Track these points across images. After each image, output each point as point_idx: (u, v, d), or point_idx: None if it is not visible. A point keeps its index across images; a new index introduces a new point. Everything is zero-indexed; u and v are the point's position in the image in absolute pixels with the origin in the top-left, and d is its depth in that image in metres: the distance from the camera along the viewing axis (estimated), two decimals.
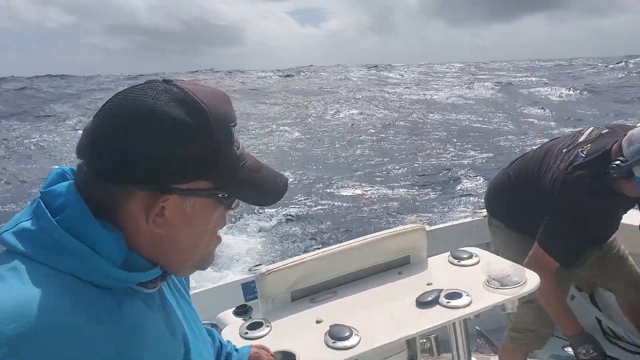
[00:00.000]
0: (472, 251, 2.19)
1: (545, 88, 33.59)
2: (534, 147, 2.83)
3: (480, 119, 21.11)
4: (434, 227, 3.48)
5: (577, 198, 2.29)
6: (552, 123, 19.73)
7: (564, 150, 2.45)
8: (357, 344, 1.69)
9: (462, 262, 2.13)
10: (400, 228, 2.21)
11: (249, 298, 2.93)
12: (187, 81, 0.92)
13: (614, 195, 2.28)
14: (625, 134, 2.22)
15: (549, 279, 2.31)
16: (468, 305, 1.81)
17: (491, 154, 13.90)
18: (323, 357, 1.67)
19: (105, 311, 0.83)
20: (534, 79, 44.53)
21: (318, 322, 1.87)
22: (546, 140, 2.89)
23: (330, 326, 1.79)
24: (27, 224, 0.85)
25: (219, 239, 1.02)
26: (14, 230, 0.86)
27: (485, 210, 3.00)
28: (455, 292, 1.87)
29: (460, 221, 3.61)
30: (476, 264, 2.11)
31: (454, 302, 1.82)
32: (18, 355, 0.71)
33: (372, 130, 20.00)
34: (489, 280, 1.92)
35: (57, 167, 0.96)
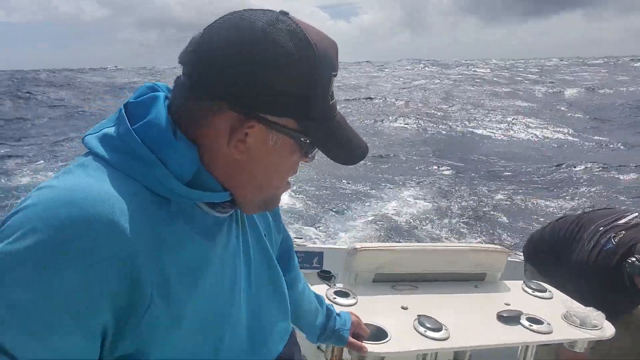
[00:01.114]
0: (546, 286, 2.27)
1: None
2: (582, 211, 2.94)
3: None
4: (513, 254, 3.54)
5: (597, 286, 2.34)
6: None
7: (601, 228, 2.49)
8: (447, 338, 1.75)
9: (537, 293, 2.20)
10: (485, 245, 2.29)
11: (305, 266, 2.98)
12: (301, 21, 0.90)
13: (624, 287, 2.32)
14: None
15: None
16: (549, 333, 1.88)
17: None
18: (413, 342, 1.72)
19: (154, 218, 0.83)
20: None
21: (404, 308, 1.93)
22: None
23: (418, 315, 1.85)
24: (109, 130, 0.88)
25: (288, 185, 1.01)
26: (97, 134, 0.89)
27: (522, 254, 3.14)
28: (536, 318, 1.94)
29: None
30: (550, 298, 2.18)
31: (535, 327, 1.89)
32: (63, 237, 0.72)
33: None
34: (568, 315, 1.99)
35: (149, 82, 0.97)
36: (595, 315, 1.98)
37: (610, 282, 2.33)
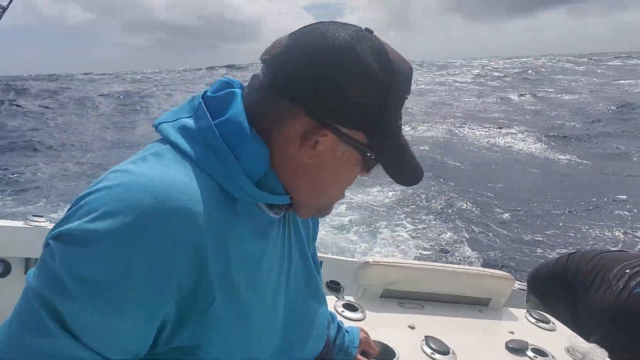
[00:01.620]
0: (548, 317, 2.27)
1: None
2: (599, 250, 2.95)
3: None
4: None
5: (633, 328, 2.33)
6: None
7: (627, 270, 2.50)
8: None
9: (540, 324, 2.20)
10: (492, 270, 2.28)
11: None
12: (384, 41, 0.94)
13: None
14: None
15: None
16: None
17: None
18: None
19: (223, 213, 0.86)
20: None
21: (411, 327, 1.92)
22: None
23: (425, 336, 1.84)
24: (188, 121, 0.90)
25: (343, 195, 1.04)
26: (173, 123, 0.91)
27: (520, 283, 3.15)
28: (541, 350, 1.94)
29: None
30: (553, 330, 2.19)
31: (540, 359, 1.89)
32: (140, 224, 0.75)
33: None
34: (571, 349, 2.00)
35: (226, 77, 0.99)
36: (598, 352, 1.98)
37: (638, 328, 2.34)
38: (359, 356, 1.58)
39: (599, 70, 44.47)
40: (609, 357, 2.10)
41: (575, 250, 3.06)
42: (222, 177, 0.87)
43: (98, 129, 20.98)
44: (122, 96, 32.28)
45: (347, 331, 1.57)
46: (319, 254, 3.13)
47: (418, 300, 2.14)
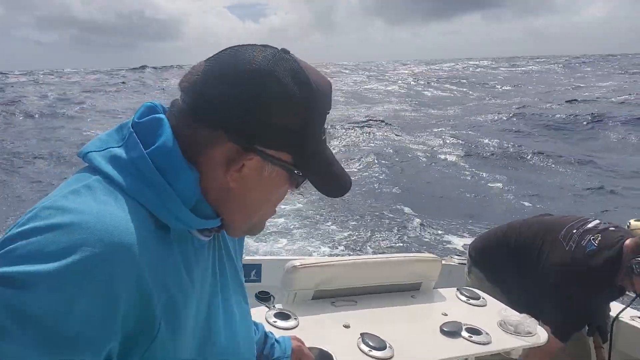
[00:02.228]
0: (479, 293, 2.31)
1: None
2: (531, 217, 3.04)
3: None
4: (445, 262, 3.58)
5: (590, 283, 2.52)
6: None
7: (574, 231, 2.67)
8: (392, 357, 1.74)
9: (471, 301, 2.23)
10: (418, 255, 2.30)
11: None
12: (301, 60, 0.95)
13: (614, 285, 2.55)
14: (631, 234, 2.55)
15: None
16: (488, 343, 1.91)
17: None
18: None
19: (158, 245, 0.85)
20: None
21: (346, 326, 1.89)
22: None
23: (361, 334, 1.82)
24: (119, 151, 0.88)
25: (274, 212, 1.05)
26: (103, 153, 0.88)
27: (461, 257, 3.19)
28: (474, 328, 1.96)
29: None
30: (484, 305, 2.23)
31: (475, 338, 1.91)
32: (81, 263, 0.73)
33: None
34: (503, 323, 2.03)
35: (148, 101, 0.97)
36: (528, 322, 2.03)
37: (594, 283, 2.52)
38: None
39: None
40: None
41: (511, 220, 3.15)
42: (158, 209, 0.86)
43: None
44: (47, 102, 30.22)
45: (277, 342, 1.52)
46: (248, 258, 3.09)
47: (351, 296, 2.12)
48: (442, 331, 1.93)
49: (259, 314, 1.88)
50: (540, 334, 2.03)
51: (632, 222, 3.33)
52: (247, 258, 3.08)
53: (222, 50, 0.94)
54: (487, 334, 1.95)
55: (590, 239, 2.60)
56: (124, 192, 0.84)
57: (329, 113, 0.98)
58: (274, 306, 1.96)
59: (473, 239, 3.34)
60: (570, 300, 2.58)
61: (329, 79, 0.98)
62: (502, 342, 1.94)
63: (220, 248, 1.11)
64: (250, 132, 0.88)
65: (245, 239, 1.32)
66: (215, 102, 0.88)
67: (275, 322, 1.86)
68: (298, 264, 1.99)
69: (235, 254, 1.21)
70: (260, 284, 2.97)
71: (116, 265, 0.76)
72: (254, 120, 0.88)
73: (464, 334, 1.93)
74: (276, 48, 0.94)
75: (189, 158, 0.90)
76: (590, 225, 2.73)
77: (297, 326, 1.86)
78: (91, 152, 0.89)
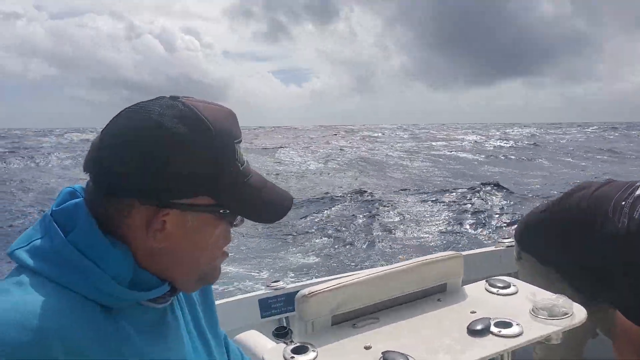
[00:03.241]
0: (509, 280, 2.18)
1: None
2: (574, 189, 2.84)
3: None
4: (467, 253, 3.46)
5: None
6: None
7: (623, 202, 2.44)
8: None
9: (501, 291, 2.12)
10: (437, 255, 2.18)
11: (265, 315, 2.88)
12: (194, 98, 0.94)
13: None
14: None
15: None
16: (520, 334, 1.79)
17: None
18: None
19: (102, 331, 0.84)
20: None
21: (367, 348, 1.82)
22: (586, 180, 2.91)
23: (382, 353, 1.74)
24: (40, 242, 0.88)
25: (225, 255, 1.03)
26: (27, 248, 0.88)
27: (510, 240, 3.03)
28: (504, 321, 1.85)
29: (484, 249, 3.62)
30: (515, 293, 2.10)
31: (505, 331, 1.80)
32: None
33: None
34: (535, 310, 1.91)
35: (68, 186, 0.98)
36: (562, 302, 1.90)
37: None
38: None
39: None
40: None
41: (551, 201, 2.95)
42: (91, 290, 0.85)
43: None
44: None
45: None
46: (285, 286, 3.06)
47: (372, 313, 2.04)
48: (469, 331, 1.83)
49: (277, 351, 1.83)
50: (577, 313, 1.89)
51: None
52: (287, 287, 3.08)
53: (111, 120, 0.93)
54: (518, 324, 1.83)
55: (639, 208, 2.36)
56: (53, 282, 0.84)
57: (239, 142, 0.96)
58: (291, 341, 1.91)
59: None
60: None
61: (228, 108, 0.96)
62: (536, 329, 1.82)
63: (185, 312, 1.09)
64: (158, 189, 0.87)
65: None
66: (114, 172, 0.87)
67: (293, 357, 1.81)
68: (307, 292, 1.94)
69: (202, 312, 1.18)
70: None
71: (27, 349, 0.76)
72: (158, 177, 0.86)
73: (493, 329, 1.82)
74: (165, 97, 0.92)
75: (112, 233, 0.89)
76: (638, 192, 2.47)
77: (316, 357, 1.80)
78: (16, 249, 0.89)
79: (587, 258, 2.50)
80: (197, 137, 0.88)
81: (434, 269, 2.14)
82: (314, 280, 3.18)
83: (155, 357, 0.92)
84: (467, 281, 2.25)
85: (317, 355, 1.81)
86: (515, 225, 3.16)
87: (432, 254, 2.20)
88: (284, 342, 1.90)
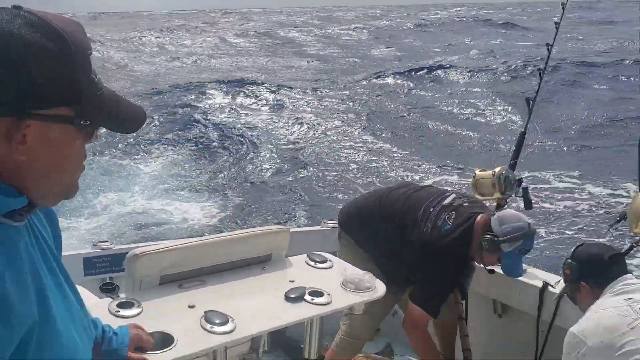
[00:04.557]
0: (327, 256, 2.44)
1: None
2: (394, 187, 3.24)
3: None
4: (294, 230, 3.69)
5: (447, 261, 2.77)
6: None
7: (431, 209, 2.88)
8: (233, 330, 1.81)
9: (319, 265, 2.36)
10: (267, 228, 2.38)
11: (88, 273, 2.86)
12: (38, 11, 0.92)
13: (468, 262, 2.86)
14: (484, 211, 2.84)
15: (425, 331, 2.86)
16: (329, 303, 2.03)
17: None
18: (200, 340, 1.75)
19: None
20: None
21: (191, 306, 1.94)
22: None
23: (205, 312, 1.88)
24: None
25: (82, 168, 1.03)
26: None
27: (334, 222, 3.35)
28: (317, 291, 2.08)
29: (311, 228, 3.90)
30: (330, 267, 2.36)
31: (317, 300, 2.03)
32: None
33: None
34: (345, 283, 2.17)
35: None
36: (367, 278, 2.18)
37: (450, 261, 2.78)
38: (130, 354, 1.56)
39: None
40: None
41: (376, 191, 3.33)
42: None
43: None
44: None
45: (115, 333, 1.54)
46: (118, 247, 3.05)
47: (200, 276, 2.16)
48: (286, 297, 2.04)
49: (103, 305, 1.89)
50: (379, 287, 2.18)
51: (478, 172, 3.60)
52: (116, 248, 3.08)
53: None
54: (328, 294, 2.07)
55: (445, 218, 2.82)
56: None
57: (91, 53, 0.95)
58: (118, 296, 1.97)
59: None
60: (431, 279, 2.83)
61: (75, 20, 0.96)
62: (343, 300, 2.08)
63: (39, 237, 1.07)
64: (16, 100, 0.85)
65: None
66: None
67: (118, 312, 1.87)
68: (138, 251, 2.01)
69: (52, 244, 1.16)
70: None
71: None
72: (14, 86, 0.84)
73: (307, 297, 2.04)
74: (7, 7, 0.90)
75: None
76: (446, 202, 2.94)
77: (140, 313, 1.88)
78: None
79: (393, 252, 2.95)
80: (53, 46, 0.87)
81: (262, 240, 2.32)
82: (145, 243, 3.20)
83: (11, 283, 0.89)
84: (291, 254, 2.46)
85: (142, 311, 1.89)
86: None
87: (262, 226, 2.39)
88: (110, 297, 1.95)
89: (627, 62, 19.74)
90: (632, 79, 17.57)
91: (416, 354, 3.14)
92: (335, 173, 11.23)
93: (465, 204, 2.93)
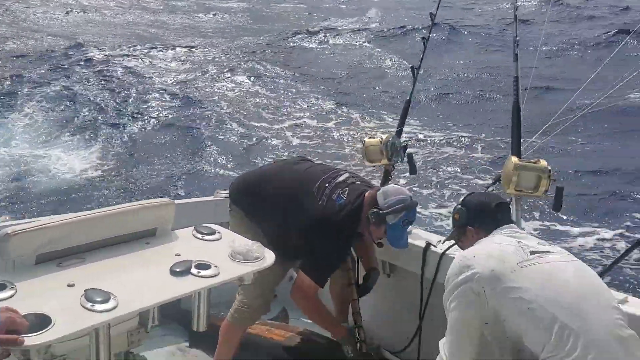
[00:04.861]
0: (215, 228, 2.41)
1: None
2: (290, 160, 3.28)
3: None
4: (180, 201, 3.60)
5: (339, 235, 2.88)
6: None
7: (326, 185, 2.97)
8: (115, 307, 1.76)
9: (206, 237, 2.33)
10: (150, 201, 2.31)
11: None
12: None
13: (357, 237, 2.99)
14: (373, 187, 2.98)
15: (315, 300, 2.92)
16: (216, 275, 2.02)
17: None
18: (80, 319, 1.69)
19: None
20: None
21: (70, 285, 1.86)
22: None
23: (85, 290, 1.81)
24: None
25: None
26: None
27: (227, 192, 3.34)
28: (204, 263, 2.06)
29: (201, 199, 3.82)
30: (219, 239, 2.34)
31: (203, 273, 2.01)
32: None
33: None
34: (233, 254, 2.16)
35: None
36: (256, 248, 2.19)
37: (341, 234, 2.89)
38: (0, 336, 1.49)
39: None
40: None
41: (269, 164, 3.34)
42: None
43: None
44: None
45: None
46: None
47: (79, 254, 2.08)
48: (172, 272, 2.00)
49: None
50: (268, 257, 2.20)
51: (367, 139, 3.70)
52: None
53: None
54: (216, 266, 2.05)
55: (339, 194, 2.92)
56: None
57: None
58: None
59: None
60: (322, 251, 2.90)
61: None
62: (231, 271, 2.07)
63: None
64: None
65: None
66: None
67: None
68: (10, 230, 1.89)
69: None
70: None
71: None
72: None
73: (194, 270, 2.01)
74: None
75: None
76: (340, 179, 3.05)
77: (14, 295, 1.78)
78: None
79: (283, 224, 3.01)
80: None
81: (145, 214, 2.25)
82: (16, 221, 3.02)
83: None
84: (181, 226, 2.41)
85: (15, 292, 1.79)
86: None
87: (145, 200, 2.32)
88: None
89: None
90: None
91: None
92: (234, 139, 11.11)
93: (357, 183, 3.06)
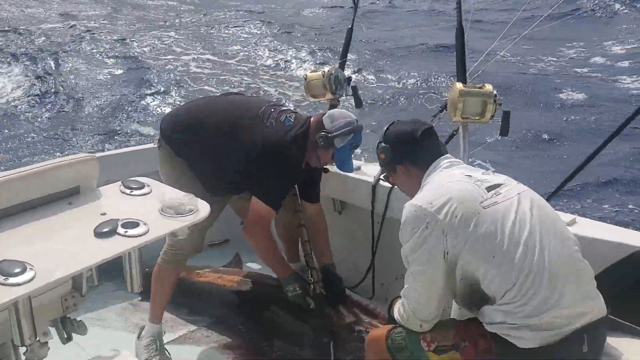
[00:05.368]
0: (144, 181, 2.24)
1: None
2: (226, 93, 3.16)
3: None
4: (103, 154, 3.40)
5: (289, 155, 2.80)
6: None
7: (272, 110, 2.90)
8: (33, 279, 1.62)
9: (135, 192, 2.17)
10: (69, 157, 2.12)
11: None
12: None
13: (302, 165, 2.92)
14: (321, 112, 2.92)
15: (268, 231, 2.90)
16: (145, 233, 1.88)
17: None
18: None
19: None
20: None
21: None
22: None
23: None
24: None
25: None
26: None
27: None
28: (132, 221, 1.91)
29: (131, 149, 3.61)
30: (148, 193, 2.18)
31: (131, 232, 1.87)
32: None
33: None
34: (163, 208, 2.02)
35: None
36: (188, 201, 2.04)
37: (291, 157, 2.83)
38: None
39: None
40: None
41: (202, 97, 3.19)
42: None
43: None
44: None
45: None
46: None
47: None
48: (96, 233, 1.85)
49: None
50: (202, 209, 2.06)
51: (308, 74, 3.54)
52: None
53: None
54: (145, 224, 1.91)
55: (287, 116, 2.87)
56: None
57: None
58: None
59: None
60: (273, 173, 2.79)
61: None
62: (162, 227, 1.93)
63: None
64: None
65: None
66: None
67: None
68: None
69: None
70: None
71: None
72: None
73: (120, 230, 1.86)
74: None
75: None
76: (284, 108, 3.01)
77: None
78: None
79: (220, 155, 2.88)
80: None
81: (65, 172, 2.07)
82: None
83: None
84: (107, 182, 2.24)
85: None
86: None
87: (66, 156, 2.14)
88: None
89: None
90: None
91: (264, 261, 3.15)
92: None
93: (301, 112, 3.00)
